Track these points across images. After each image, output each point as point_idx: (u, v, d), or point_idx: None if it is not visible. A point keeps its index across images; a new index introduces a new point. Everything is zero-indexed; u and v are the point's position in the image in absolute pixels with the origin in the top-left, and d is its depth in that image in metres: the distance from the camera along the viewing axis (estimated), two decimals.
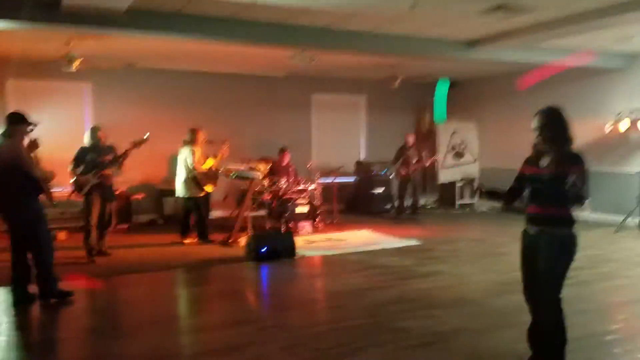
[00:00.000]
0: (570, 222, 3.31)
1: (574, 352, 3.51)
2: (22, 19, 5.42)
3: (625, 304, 5.10)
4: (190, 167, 7.64)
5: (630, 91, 9.03)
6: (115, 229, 8.12)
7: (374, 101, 12.00)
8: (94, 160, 6.61)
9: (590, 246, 7.44)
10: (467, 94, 12.25)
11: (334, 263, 6.86)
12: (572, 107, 9.54)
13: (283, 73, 10.54)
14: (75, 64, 7.57)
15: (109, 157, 6.70)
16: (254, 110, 10.75)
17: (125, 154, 6.73)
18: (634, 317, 4.73)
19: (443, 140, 11.49)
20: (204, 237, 7.90)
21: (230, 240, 7.73)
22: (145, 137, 6.77)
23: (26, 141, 4.92)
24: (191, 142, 7.78)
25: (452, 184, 11.55)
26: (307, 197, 9.00)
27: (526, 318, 3.51)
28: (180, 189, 7.82)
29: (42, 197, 4.95)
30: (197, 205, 7.86)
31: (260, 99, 10.82)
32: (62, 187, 6.64)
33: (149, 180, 9.68)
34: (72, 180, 6.65)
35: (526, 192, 3.47)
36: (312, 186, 9.10)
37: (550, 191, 3.26)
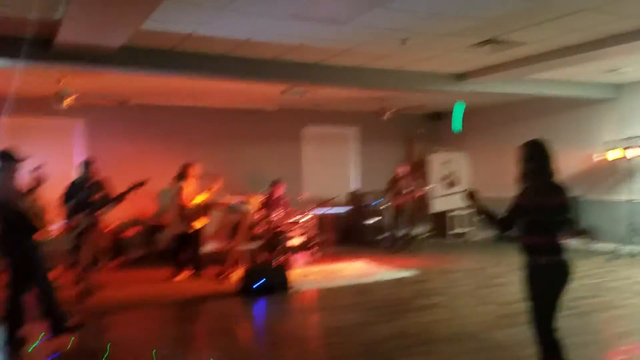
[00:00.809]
0: (560, 249, 3.39)
1: None
2: (22, 57, 5.43)
3: (627, 335, 5.05)
4: (181, 202, 7.59)
5: (619, 121, 9.17)
6: (104, 267, 7.99)
7: (365, 133, 12.08)
8: (86, 198, 6.49)
9: (585, 275, 7.42)
10: None
11: (329, 297, 6.78)
12: (562, 137, 9.83)
13: (275, 106, 10.60)
14: (67, 101, 7.54)
15: (99, 194, 6.59)
16: (246, 143, 10.76)
17: (122, 196, 6.65)
18: (637, 349, 4.68)
19: (434, 171, 11.54)
20: (196, 272, 7.79)
21: (222, 275, 7.63)
22: (144, 181, 6.67)
23: (28, 178, 4.90)
24: (183, 177, 7.75)
25: (444, 214, 11.55)
26: (300, 229, 8.94)
27: (528, 351, 3.47)
28: (171, 224, 7.74)
29: (36, 235, 4.86)
30: (188, 240, 7.78)
31: (252, 132, 10.85)
32: (54, 225, 6.54)
33: (140, 215, 9.58)
34: (64, 218, 6.52)
35: (518, 223, 3.50)
36: (305, 218, 9.05)
37: (538, 221, 3.36)
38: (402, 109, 10.73)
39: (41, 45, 5.38)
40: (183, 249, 7.86)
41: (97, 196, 6.56)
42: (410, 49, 6.11)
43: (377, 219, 11.09)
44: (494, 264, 8.36)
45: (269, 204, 8.95)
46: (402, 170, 10.21)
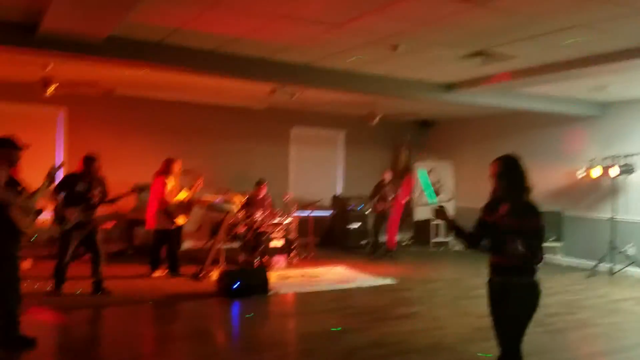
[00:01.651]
0: (531, 270, 3.27)
1: None
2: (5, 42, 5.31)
3: (600, 355, 5.06)
4: (161, 198, 7.47)
5: (603, 138, 9.25)
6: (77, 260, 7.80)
7: (352, 137, 12.05)
8: (84, 193, 6.26)
9: (563, 291, 7.47)
10: (444, 134, 12.42)
11: (308, 301, 6.71)
12: (546, 152, 9.90)
13: (263, 105, 10.52)
14: (51, 89, 7.40)
15: (98, 190, 6.38)
16: (232, 141, 10.67)
17: (119, 198, 6.49)
18: None
19: (419, 179, 11.53)
20: (174, 270, 7.68)
21: (201, 274, 7.52)
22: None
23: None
24: (165, 172, 7.63)
25: (427, 222, 11.55)
26: (282, 230, 8.87)
27: None
28: (151, 220, 7.62)
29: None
30: (168, 237, 7.66)
31: (238, 130, 10.75)
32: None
33: (118, 209, 9.40)
34: (53, 209, 6.21)
35: (485, 240, 3.42)
36: (288, 220, 8.98)
37: (508, 240, 3.18)
38: (390, 115, 10.72)
39: (25, 31, 5.24)
40: (162, 246, 7.74)
41: (95, 193, 6.35)
42: (400, 56, 6.08)
43: (360, 224, 11.07)
44: (473, 275, 8.36)
45: (252, 204, 8.87)
46: (387, 176, 10.18)
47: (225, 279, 6.65)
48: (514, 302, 3.24)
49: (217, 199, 8.31)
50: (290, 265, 8.70)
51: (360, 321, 5.76)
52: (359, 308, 6.37)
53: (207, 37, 5.63)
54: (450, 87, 7.79)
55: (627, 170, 8.58)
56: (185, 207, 7.73)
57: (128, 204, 9.39)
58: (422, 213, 11.46)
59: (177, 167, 7.69)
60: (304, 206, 9.60)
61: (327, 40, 5.58)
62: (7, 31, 5.27)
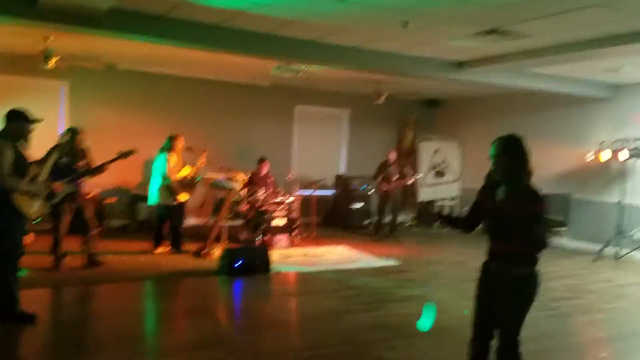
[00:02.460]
0: (531, 260, 3.08)
1: None
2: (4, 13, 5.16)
3: (607, 341, 5.01)
4: (164, 174, 7.39)
5: (613, 121, 9.09)
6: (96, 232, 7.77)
7: (357, 115, 11.89)
8: (69, 165, 6.21)
9: (569, 275, 7.41)
10: (451, 113, 12.26)
11: (310, 281, 6.67)
12: (555, 133, 9.75)
13: (267, 82, 10.36)
14: (52, 62, 7.26)
15: (83, 162, 6.37)
16: (235, 118, 10.54)
17: (105, 165, 6.39)
18: (617, 355, 4.64)
19: (425, 159, 11.42)
20: (176, 247, 7.64)
21: (203, 251, 7.48)
22: (132, 150, 6.40)
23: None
24: (168, 149, 7.54)
25: (431, 203, 11.46)
26: (284, 209, 8.80)
27: None
28: (154, 196, 7.56)
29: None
30: (170, 214, 7.60)
31: (242, 107, 10.61)
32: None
33: (123, 184, 9.36)
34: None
35: (484, 224, 3.28)
36: (291, 198, 8.91)
37: (508, 227, 3.06)
38: (397, 94, 10.56)
39: (26, 2, 5.09)
40: (164, 222, 7.68)
41: (79, 164, 6.32)
42: (410, 32, 5.91)
43: (363, 204, 10.99)
44: (477, 257, 8.19)
45: (255, 182, 8.79)
46: (392, 156, 10.05)
47: (227, 256, 6.60)
48: (512, 294, 3.07)
49: (220, 176, 8.22)
50: (292, 244, 8.65)
51: (362, 302, 5.72)
52: (362, 289, 6.32)
53: (212, 11, 5.46)
54: (460, 65, 7.62)
55: (636, 154, 8.44)
56: (188, 184, 7.65)
57: (132, 179, 9.36)
58: (426, 194, 11.37)
59: (180, 143, 7.60)
60: (306, 185, 9.52)
61: (335, 14, 5.41)
62: (6, 1, 5.13)
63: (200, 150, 7.70)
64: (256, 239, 8.27)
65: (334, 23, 5.76)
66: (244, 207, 8.51)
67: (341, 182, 11.32)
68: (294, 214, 9.04)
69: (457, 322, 5.13)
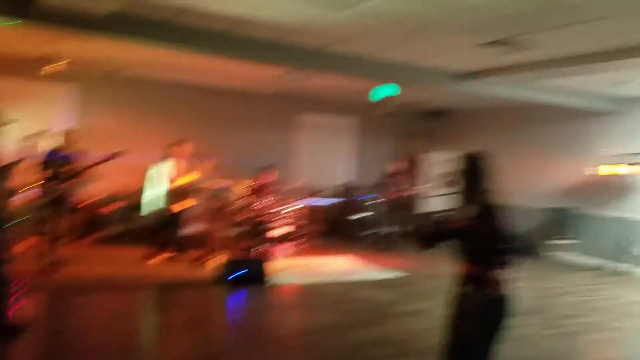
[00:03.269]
0: (493, 282, 2.94)
1: None
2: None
3: None
4: (168, 181, 7.31)
5: (617, 135, 8.97)
6: (76, 241, 7.67)
7: (362, 125, 11.80)
8: (59, 167, 6.16)
9: (573, 292, 7.27)
10: (457, 125, 12.15)
11: (310, 293, 6.54)
12: (559, 146, 9.60)
13: (273, 90, 10.29)
14: (54, 66, 7.21)
15: (70, 166, 6.29)
16: (240, 126, 10.46)
17: (92, 167, 6.31)
18: None
19: (431, 169, 11.30)
20: (175, 254, 7.52)
21: (201, 261, 7.38)
22: (119, 153, 6.33)
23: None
24: (173, 155, 7.46)
25: (430, 215, 11.31)
26: (287, 218, 8.68)
27: None
28: (154, 203, 7.46)
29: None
30: (170, 221, 7.50)
31: (247, 115, 10.54)
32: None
33: (122, 191, 9.26)
34: (41, 183, 6.14)
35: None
36: (293, 207, 8.78)
37: (468, 247, 2.99)
38: (403, 105, 10.46)
39: (24, 4, 5.00)
40: (164, 230, 7.58)
41: (67, 167, 6.24)
42: (417, 42, 5.83)
43: (366, 214, 10.86)
44: None
45: (257, 191, 8.67)
46: (397, 166, 9.94)
47: (226, 267, 6.49)
48: (471, 317, 2.94)
49: (220, 185, 8.13)
50: (292, 254, 8.52)
51: (364, 316, 5.59)
52: (364, 302, 6.19)
53: (218, 18, 5.39)
54: (466, 76, 7.52)
55: None
56: (190, 191, 7.55)
57: (132, 186, 9.25)
58: (432, 205, 11.23)
59: (186, 149, 7.54)
60: (310, 194, 9.40)
61: (342, 22, 5.32)
62: (6, 1, 5.04)
63: (207, 157, 7.62)
64: (254, 249, 8.14)
65: (340, 31, 5.68)
66: (243, 216, 8.39)
67: (345, 192, 11.21)
68: (297, 223, 8.91)
69: None
